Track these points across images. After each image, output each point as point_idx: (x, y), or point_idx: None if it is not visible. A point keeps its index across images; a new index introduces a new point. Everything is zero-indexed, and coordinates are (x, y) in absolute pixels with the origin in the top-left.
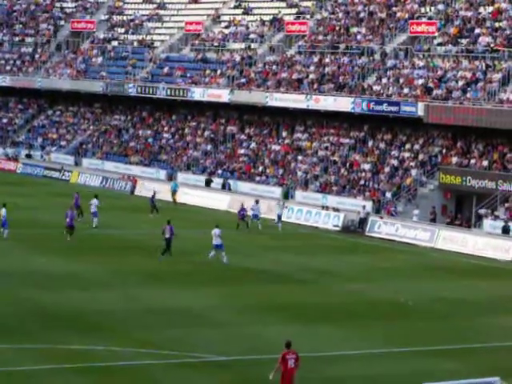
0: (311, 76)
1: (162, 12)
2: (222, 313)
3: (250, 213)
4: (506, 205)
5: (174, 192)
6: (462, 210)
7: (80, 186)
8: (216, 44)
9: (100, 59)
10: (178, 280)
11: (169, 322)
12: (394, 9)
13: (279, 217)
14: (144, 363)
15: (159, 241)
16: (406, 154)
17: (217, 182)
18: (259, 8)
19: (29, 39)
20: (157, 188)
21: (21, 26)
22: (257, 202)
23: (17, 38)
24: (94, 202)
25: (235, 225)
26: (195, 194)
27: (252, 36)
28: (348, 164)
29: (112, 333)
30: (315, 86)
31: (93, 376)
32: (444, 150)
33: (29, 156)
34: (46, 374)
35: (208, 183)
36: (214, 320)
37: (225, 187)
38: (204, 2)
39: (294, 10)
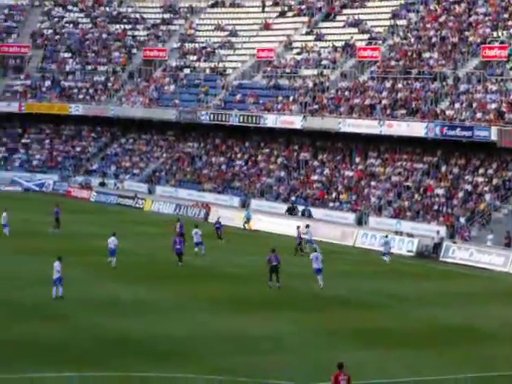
0: (384, 101)
1: (233, 39)
2: (296, 338)
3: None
4: None
5: (247, 220)
6: None
7: (154, 213)
8: (288, 70)
9: (172, 87)
10: (251, 305)
11: (242, 347)
12: (466, 33)
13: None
14: None
15: (230, 267)
16: (480, 179)
17: (322, 213)
18: (331, 34)
19: (101, 68)
20: (230, 215)
21: (93, 54)
22: (307, 226)
23: (89, 67)
24: (197, 231)
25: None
26: (269, 220)
27: (324, 62)
28: (422, 189)
29: (185, 359)
30: (388, 111)
31: None
32: None
33: (102, 184)
34: None
35: (291, 211)
36: (290, 345)
37: (304, 214)
38: (276, 29)
39: (365, 36)
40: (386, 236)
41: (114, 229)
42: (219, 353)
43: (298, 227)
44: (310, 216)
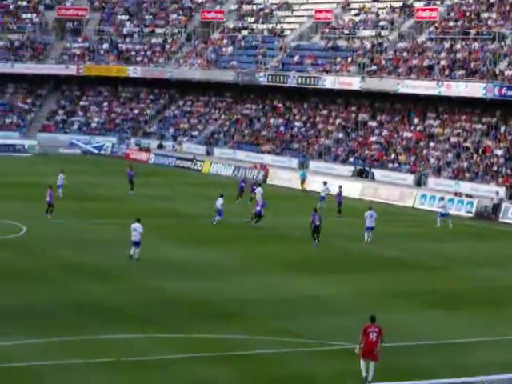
0: (442, 62)
1: (291, 0)
2: (354, 300)
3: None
4: None
5: (302, 180)
6: None
7: (212, 175)
8: (346, 32)
9: (230, 49)
10: (308, 267)
11: (302, 309)
12: None
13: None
14: (281, 351)
15: (288, 229)
16: None
17: (381, 174)
18: None
19: (159, 30)
20: (288, 176)
21: (151, 16)
22: (325, 183)
23: (147, 29)
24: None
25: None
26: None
27: (382, 23)
28: (480, 150)
29: (247, 321)
30: (446, 72)
31: (230, 365)
32: None
33: (160, 146)
34: (183, 363)
35: (361, 173)
36: (348, 307)
37: (362, 175)
38: None
39: None
40: (442, 198)
41: (173, 191)
42: (282, 315)
43: (325, 183)
44: (373, 178)
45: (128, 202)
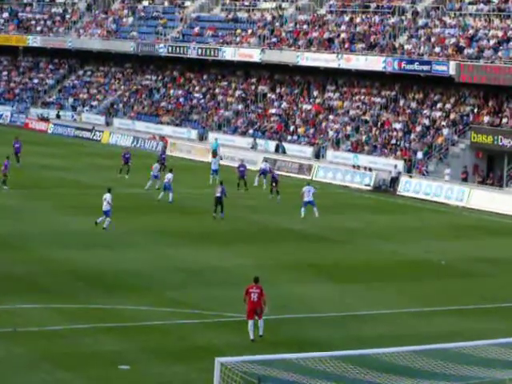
0: (342, 35)
1: None
2: (254, 272)
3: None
4: None
5: (214, 152)
6: (493, 169)
7: (111, 145)
8: (247, 3)
9: (131, 19)
10: (208, 239)
11: (199, 281)
12: None
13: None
14: (176, 322)
15: (188, 200)
16: (438, 114)
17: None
18: None
19: None
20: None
21: None
22: (265, 160)
23: None
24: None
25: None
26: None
27: None
28: (379, 123)
29: (143, 292)
30: (346, 45)
31: (124, 336)
32: (476, 109)
33: (58, 116)
34: (78, 333)
35: (277, 148)
36: (247, 279)
37: (278, 150)
38: None
39: None
40: (309, 184)
41: (72, 161)
42: (178, 286)
43: (266, 160)
44: (284, 152)
45: (27, 171)
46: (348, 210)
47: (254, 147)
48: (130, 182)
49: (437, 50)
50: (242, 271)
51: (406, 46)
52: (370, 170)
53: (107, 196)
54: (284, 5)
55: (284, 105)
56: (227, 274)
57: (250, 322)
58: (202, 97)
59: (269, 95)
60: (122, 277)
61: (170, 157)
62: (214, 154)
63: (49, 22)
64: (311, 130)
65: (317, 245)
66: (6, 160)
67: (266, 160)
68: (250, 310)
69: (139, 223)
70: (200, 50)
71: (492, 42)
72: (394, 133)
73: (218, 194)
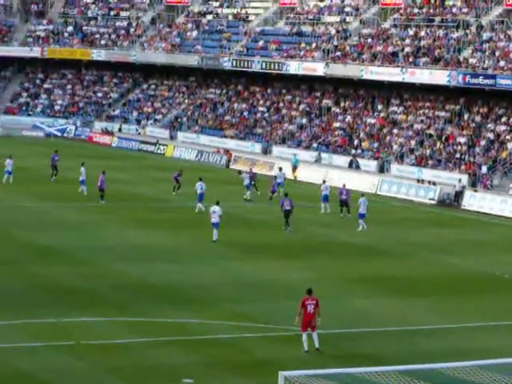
0: (406, 49)
1: None
2: (315, 285)
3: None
4: None
5: (294, 168)
6: None
7: (175, 159)
8: (311, 17)
9: (195, 33)
10: (269, 252)
11: (263, 294)
12: None
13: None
14: (239, 336)
15: (252, 214)
16: (502, 128)
17: (345, 160)
18: None
19: (124, 13)
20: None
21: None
22: (280, 169)
23: (112, 12)
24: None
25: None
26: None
27: (347, 9)
28: (444, 137)
29: (207, 306)
30: (410, 59)
31: (188, 349)
32: None
33: (120, 130)
34: (141, 346)
35: (350, 164)
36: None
37: (351, 165)
38: None
39: None
40: (363, 195)
41: (136, 174)
42: (241, 299)
43: (281, 169)
44: (357, 167)
45: (90, 185)
46: (412, 224)
47: (317, 161)
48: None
49: (501, 63)
50: (305, 285)
51: (470, 60)
52: (434, 184)
53: (216, 209)
54: (348, 19)
55: (348, 118)
56: (290, 288)
57: (305, 335)
58: (266, 110)
59: (333, 109)
60: (186, 290)
61: (234, 170)
62: (294, 169)
63: (113, 36)
64: (375, 144)
65: (379, 258)
66: (102, 174)
67: (280, 169)
68: (306, 322)
69: (202, 236)
70: (264, 64)
71: None
72: (459, 147)
73: (288, 208)
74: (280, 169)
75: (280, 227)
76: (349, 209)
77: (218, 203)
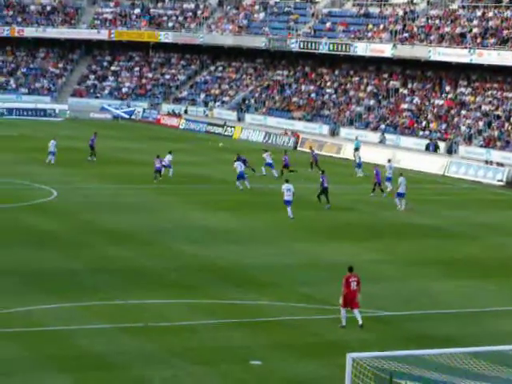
0: (474, 30)
1: None
2: (384, 267)
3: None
4: None
5: (356, 149)
6: None
7: (242, 141)
8: None
9: (262, 15)
10: (338, 234)
11: (332, 277)
12: None
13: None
14: (307, 318)
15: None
16: None
17: (413, 141)
18: None
19: None
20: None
21: None
22: (389, 160)
23: None
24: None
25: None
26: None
27: None
28: None
29: (274, 288)
30: (478, 40)
31: (256, 331)
32: None
33: (186, 111)
34: (209, 328)
35: (435, 148)
36: (377, 275)
37: (428, 148)
38: None
39: None
40: (401, 174)
41: (201, 156)
42: (310, 282)
43: (390, 160)
44: (435, 150)
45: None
46: (480, 205)
47: (382, 141)
48: (257, 178)
49: None
50: (374, 267)
51: None
52: (503, 165)
53: (289, 186)
54: (415, 0)
55: (416, 100)
56: (359, 270)
57: (344, 311)
58: (333, 92)
59: (400, 90)
60: (253, 272)
61: (302, 152)
62: (357, 150)
63: (180, 18)
64: (443, 126)
65: (447, 240)
66: (157, 158)
67: (389, 161)
68: (350, 298)
69: (271, 218)
70: (331, 46)
71: None
72: None
73: (326, 185)
74: (389, 160)
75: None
76: (382, 189)
77: (287, 181)
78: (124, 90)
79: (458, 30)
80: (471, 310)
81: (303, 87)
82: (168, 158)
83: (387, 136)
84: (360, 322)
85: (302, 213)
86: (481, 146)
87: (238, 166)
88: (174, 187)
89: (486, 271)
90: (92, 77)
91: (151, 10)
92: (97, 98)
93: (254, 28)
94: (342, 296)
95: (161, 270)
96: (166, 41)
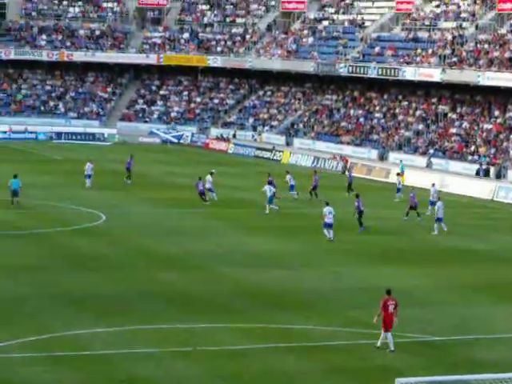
0: None
1: None
2: (433, 292)
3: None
4: None
5: (398, 174)
6: None
7: (291, 165)
8: (427, 23)
9: (311, 39)
10: (386, 258)
11: (378, 300)
12: None
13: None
14: (356, 343)
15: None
16: None
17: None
18: None
19: (239, 20)
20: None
21: (231, 6)
22: (433, 185)
23: (228, 19)
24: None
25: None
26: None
27: (463, 15)
28: None
29: (323, 312)
30: None
31: (305, 355)
32: None
33: (234, 136)
34: (257, 352)
35: (478, 173)
36: (426, 299)
37: (479, 173)
38: None
39: None
40: (439, 198)
41: (251, 180)
42: (356, 305)
43: (434, 184)
44: (486, 175)
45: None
46: None
47: (428, 166)
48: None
49: None
50: (420, 292)
51: None
52: None
53: (330, 209)
54: (464, 24)
55: (465, 124)
56: (406, 295)
57: (384, 334)
58: (382, 116)
59: (449, 115)
60: (301, 296)
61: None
62: (399, 174)
63: (229, 43)
64: (492, 150)
65: (498, 265)
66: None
67: (433, 185)
68: (388, 321)
69: (314, 242)
70: (380, 70)
71: None
72: None
73: (362, 208)
74: (433, 184)
75: (394, 233)
76: (418, 213)
77: (327, 204)
78: (173, 114)
79: (507, 55)
80: None
81: (352, 112)
82: (208, 178)
83: (436, 161)
84: (392, 348)
85: (345, 237)
86: None
87: (268, 190)
88: (221, 211)
89: None
90: (141, 101)
91: (200, 35)
92: (145, 122)
93: (303, 52)
94: (376, 316)
95: (209, 294)
96: (215, 65)
